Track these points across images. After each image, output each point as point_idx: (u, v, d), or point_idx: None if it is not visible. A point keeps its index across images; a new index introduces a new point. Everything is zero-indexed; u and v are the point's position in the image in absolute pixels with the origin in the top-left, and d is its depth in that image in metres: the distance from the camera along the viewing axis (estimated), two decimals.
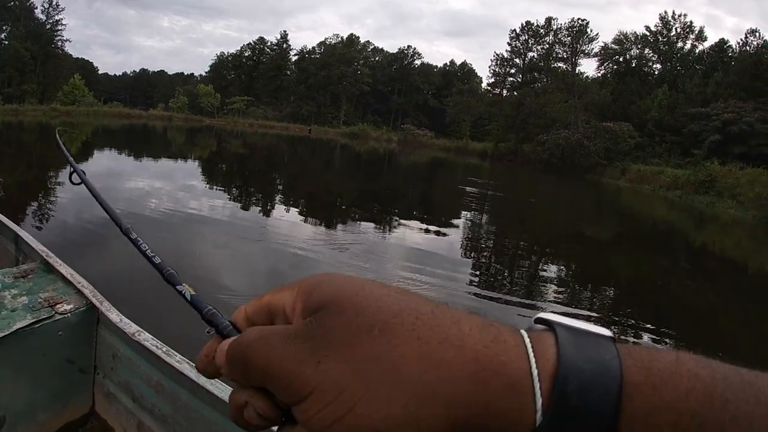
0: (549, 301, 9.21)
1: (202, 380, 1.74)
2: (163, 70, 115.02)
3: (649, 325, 8.74)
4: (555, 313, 0.35)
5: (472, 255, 12.45)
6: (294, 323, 0.39)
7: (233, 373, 0.39)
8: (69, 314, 2.09)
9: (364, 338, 0.33)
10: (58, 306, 2.10)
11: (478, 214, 19.66)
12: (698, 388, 0.31)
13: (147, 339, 1.98)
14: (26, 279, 2.29)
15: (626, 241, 18.31)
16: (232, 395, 0.40)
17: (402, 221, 14.44)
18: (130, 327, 2.05)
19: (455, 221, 16.30)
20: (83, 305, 2.16)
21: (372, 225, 13.44)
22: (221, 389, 1.70)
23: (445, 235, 13.81)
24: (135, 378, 2.03)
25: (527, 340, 0.33)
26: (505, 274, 11.10)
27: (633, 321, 9.21)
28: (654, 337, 8.20)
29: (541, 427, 0.31)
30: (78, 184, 1.33)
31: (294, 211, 14.34)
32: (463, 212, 19.01)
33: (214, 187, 17.29)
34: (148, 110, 77.55)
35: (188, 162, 27.17)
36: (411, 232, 13.18)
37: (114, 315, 2.12)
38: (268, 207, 14.73)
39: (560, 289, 10.37)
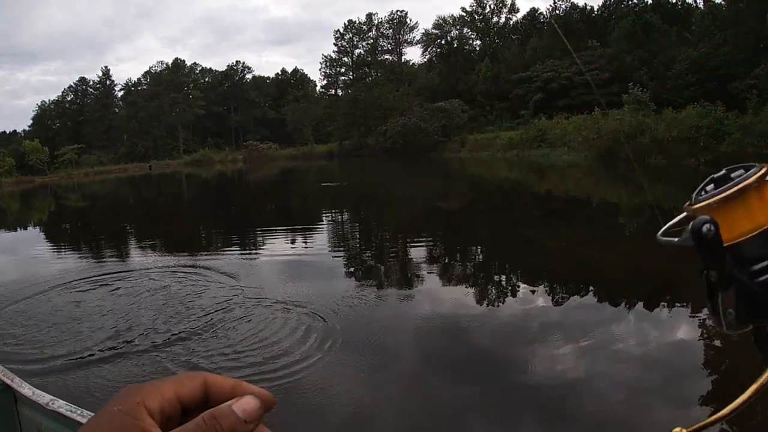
0: (423, 275, 9.29)
1: None
2: None
3: (520, 279, 9.17)
4: None
5: (342, 252, 12.36)
6: None
7: None
8: None
9: None
10: None
11: (337, 212, 19.69)
12: None
13: (61, 406, 1.93)
14: None
15: (479, 204, 19.15)
16: None
17: (268, 238, 14.04)
18: (44, 397, 2.01)
19: (317, 226, 16.15)
20: None
21: (235, 249, 13.17)
22: None
23: (312, 240, 13.64)
24: None
25: None
26: (379, 261, 11.12)
27: (504, 275, 9.60)
28: (528, 285, 8.61)
29: None
30: None
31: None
32: (323, 214, 18.95)
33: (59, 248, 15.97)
34: None
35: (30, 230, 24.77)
36: (280, 246, 12.86)
37: (27, 389, 2.07)
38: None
39: (433, 262, 10.56)
